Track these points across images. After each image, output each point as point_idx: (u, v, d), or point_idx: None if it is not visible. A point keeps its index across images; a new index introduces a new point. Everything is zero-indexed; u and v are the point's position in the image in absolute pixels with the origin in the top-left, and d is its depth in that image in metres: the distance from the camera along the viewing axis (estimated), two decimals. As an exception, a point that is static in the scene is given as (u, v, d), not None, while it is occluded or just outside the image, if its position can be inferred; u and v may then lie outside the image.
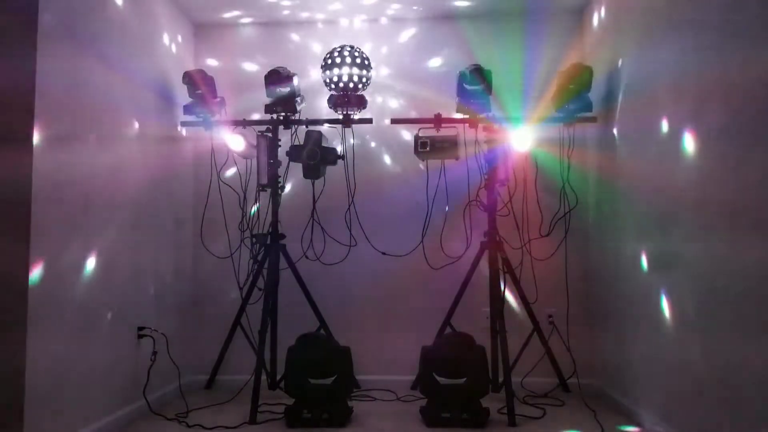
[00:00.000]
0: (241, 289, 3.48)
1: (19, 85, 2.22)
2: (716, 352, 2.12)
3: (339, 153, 3.44)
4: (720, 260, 2.09)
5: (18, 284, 2.16)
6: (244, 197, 3.58)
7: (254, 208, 3.59)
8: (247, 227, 3.54)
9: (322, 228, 3.67)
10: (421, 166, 3.56)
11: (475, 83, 3.27)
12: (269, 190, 3.45)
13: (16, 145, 2.20)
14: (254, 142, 3.47)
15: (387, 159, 3.86)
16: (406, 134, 3.78)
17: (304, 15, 3.85)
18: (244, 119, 3.55)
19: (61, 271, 2.39)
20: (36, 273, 2.21)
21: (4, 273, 2.17)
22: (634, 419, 2.85)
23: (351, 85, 3.37)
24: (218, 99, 3.53)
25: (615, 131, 3.20)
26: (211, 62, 3.93)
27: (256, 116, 3.56)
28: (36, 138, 2.22)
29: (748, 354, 1.90)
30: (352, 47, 3.39)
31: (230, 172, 3.74)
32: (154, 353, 3.10)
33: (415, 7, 3.72)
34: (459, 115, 3.37)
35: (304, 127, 3.50)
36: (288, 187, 3.66)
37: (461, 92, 3.33)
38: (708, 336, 2.18)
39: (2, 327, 2.16)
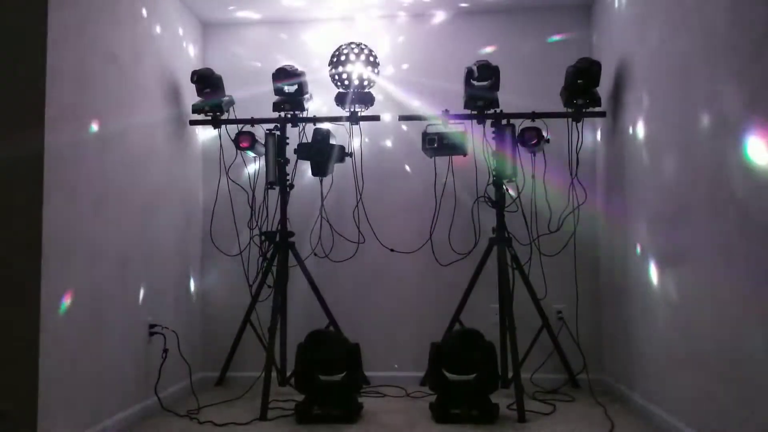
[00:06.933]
0: (250, 286, 3.50)
1: (29, 87, 2.23)
2: (728, 347, 2.11)
3: (347, 150, 3.45)
4: (731, 255, 2.08)
5: (30, 283, 2.18)
6: (253, 195, 3.60)
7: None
8: (257, 225, 3.55)
9: (330, 225, 3.69)
10: (429, 162, 3.56)
11: (483, 79, 3.27)
12: (278, 188, 3.46)
13: (27, 145, 2.22)
14: (262, 141, 3.48)
15: (395, 156, 3.86)
16: (414, 131, 3.78)
17: (313, 12, 3.85)
18: (253, 117, 3.56)
19: (72, 270, 2.41)
20: (48, 272, 2.23)
21: (16, 272, 2.19)
22: (645, 414, 2.85)
23: (358, 82, 3.37)
24: (226, 97, 3.54)
25: (623, 125, 3.19)
26: (220, 61, 3.95)
27: (264, 114, 3.57)
28: (47, 138, 2.24)
29: (761, 349, 1.89)
30: (359, 44, 3.40)
31: (239, 170, 3.75)
32: (165, 350, 3.12)
33: (427, 1, 3.72)
34: (467, 111, 3.36)
35: (312, 124, 3.51)
36: (297, 185, 3.67)
37: (469, 88, 3.32)
38: (720, 331, 2.17)
39: (15, 325, 2.18)
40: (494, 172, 3.35)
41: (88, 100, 2.56)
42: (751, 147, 1.94)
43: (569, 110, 3.35)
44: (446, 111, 3.36)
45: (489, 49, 3.79)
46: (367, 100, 3.44)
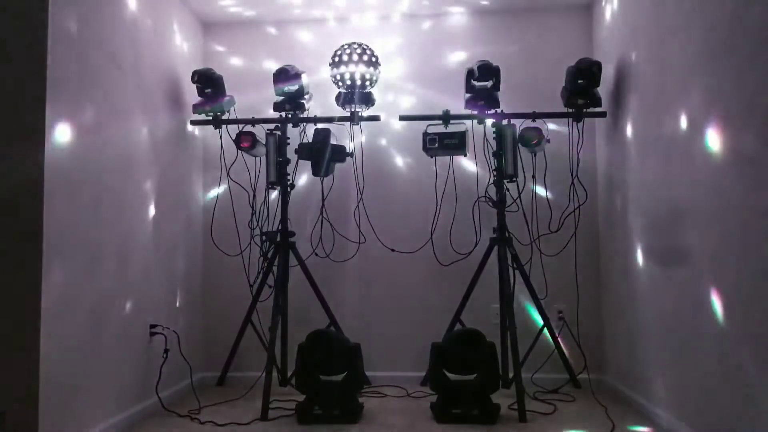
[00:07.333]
0: (251, 286, 3.50)
1: (29, 87, 2.23)
2: (729, 348, 2.11)
3: (348, 150, 3.45)
4: (732, 256, 2.08)
5: (31, 283, 2.18)
6: (254, 195, 3.60)
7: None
8: (257, 225, 3.55)
9: (331, 225, 3.69)
10: (430, 162, 3.56)
11: (484, 79, 3.26)
12: (278, 188, 3.46)
13: (28, 144, 2.22)
14: (263, 140, 3.48)
15: (396, 156, 3.86)
16: (415, 131, 3.77)
17: (314, 13, 3.85)
18: (253, 117, 3.56)
19: (74, 270, 2.41)
20: (48, 272, 2.23)
21: (17, 272, 2.19)
22: (645, 415, 2.85)
23: (359, 82, 3.37)
24: (227, 97, 3.54)
25: (624, 126, 3.19)
26: (220, 61, 3.95)
27: (264, 114, 3.57)
28: (47, 137, 2.24)
29: (762, 349, 1.89)
30: (360, 44, 3.40)
31: (240, 170, 3.75)
32: (166, 351, 3.12)
33: (425, 2, 3.72)
34: (467, 111, 3.36)
35: (313, 124, 3.51)
36: (297, 185, 3.67)
37: (469, 88, 3.32)
38: (719, 332, 2.17)
39: (17, 325, 2.18)
40: (495, 172, 3.35)
41: (88, 100, 2.56)
42: (749, 147, 1.94)
43: (570, 110, 3.35)
44: (447, 111, 3.36)
45: (489, 50, 3.79)
46: (368, 100, 3.44)
